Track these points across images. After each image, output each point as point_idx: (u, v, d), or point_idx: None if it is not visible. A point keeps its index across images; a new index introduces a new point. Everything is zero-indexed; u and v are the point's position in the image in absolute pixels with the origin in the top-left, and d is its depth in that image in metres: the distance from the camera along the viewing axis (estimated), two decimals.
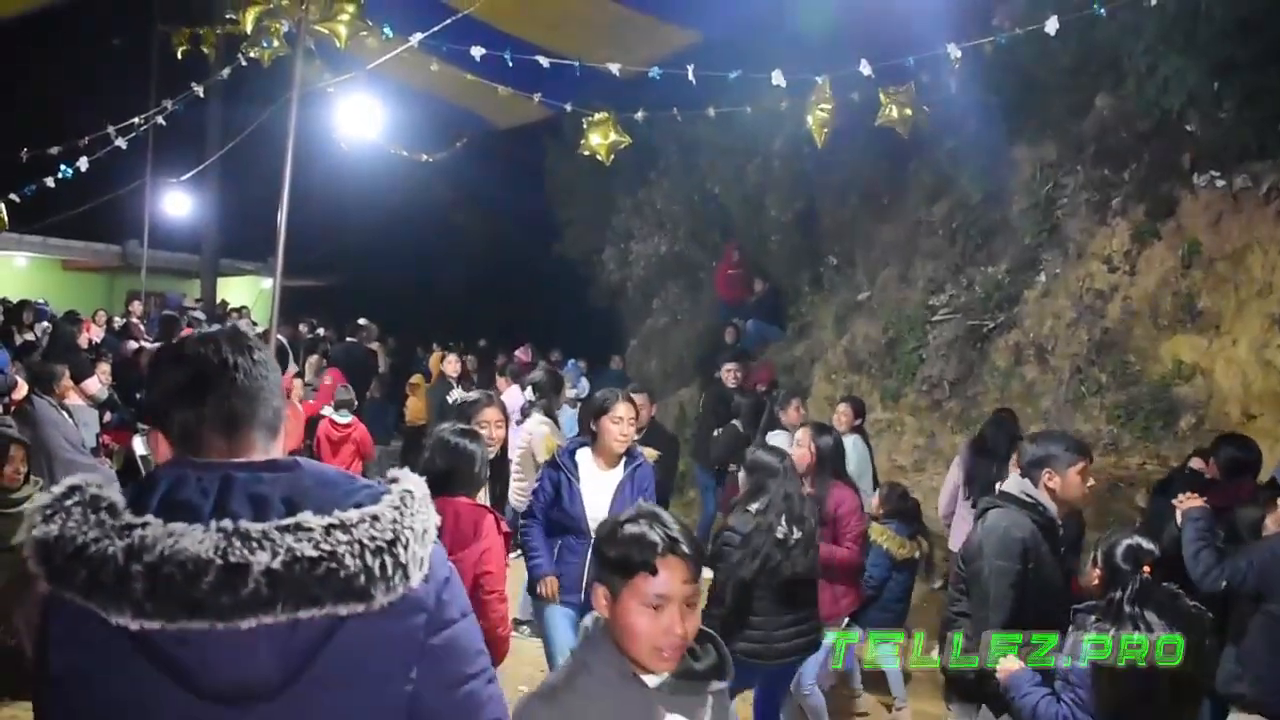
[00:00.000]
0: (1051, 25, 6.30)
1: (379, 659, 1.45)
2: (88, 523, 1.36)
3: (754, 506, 4.31)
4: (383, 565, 1.40)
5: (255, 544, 1.35)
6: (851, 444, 7.30)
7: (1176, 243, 7.89)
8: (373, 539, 1.40)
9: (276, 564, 1.34)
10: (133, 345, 10.86)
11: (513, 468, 6.64)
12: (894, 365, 10.22)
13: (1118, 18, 7.50)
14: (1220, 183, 7.70)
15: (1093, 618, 3.22)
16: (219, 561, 1.33)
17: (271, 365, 1.58)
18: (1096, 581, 3.39)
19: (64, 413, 7.34)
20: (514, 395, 9.38)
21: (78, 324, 9.55)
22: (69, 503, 1.39)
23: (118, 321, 13.30)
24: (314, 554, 1.36)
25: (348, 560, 1.38)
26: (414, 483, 1.53)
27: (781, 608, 4.30)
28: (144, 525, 1.35)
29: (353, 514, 1.42)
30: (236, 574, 1.33)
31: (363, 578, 1.38)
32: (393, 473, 1.57)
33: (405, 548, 1.43)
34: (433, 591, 1.50)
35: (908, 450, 9.35)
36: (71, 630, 1.39)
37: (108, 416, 8.70)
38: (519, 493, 6.38)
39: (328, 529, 1.39)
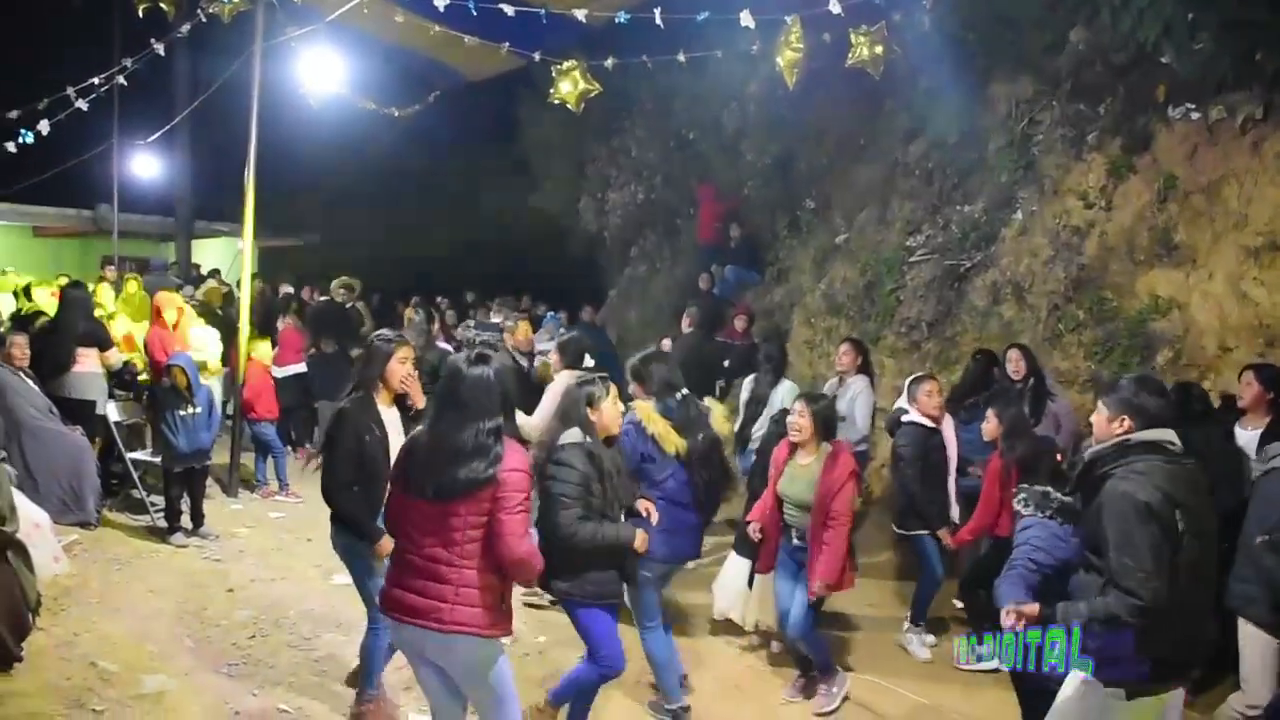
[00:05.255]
0: None
1: None
2: None
3: None
4: None
5: None
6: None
7: (1152, 177, 7.87)
8: None
9: None
10: None
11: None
12: (872, 308, 10.22)
13: None
14: (1195, 115, 7.65)
15: None
16: None
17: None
18: None
19: (27, 380, 7.28)
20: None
21: (81, 288, 9.35)
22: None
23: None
24: None
25: None
26: None
27: None
28: None
29: None
30: None
31: None
32: None
33: None
34: None
35: (887, 391, 9.39)
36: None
37: None
38: None
39: None
